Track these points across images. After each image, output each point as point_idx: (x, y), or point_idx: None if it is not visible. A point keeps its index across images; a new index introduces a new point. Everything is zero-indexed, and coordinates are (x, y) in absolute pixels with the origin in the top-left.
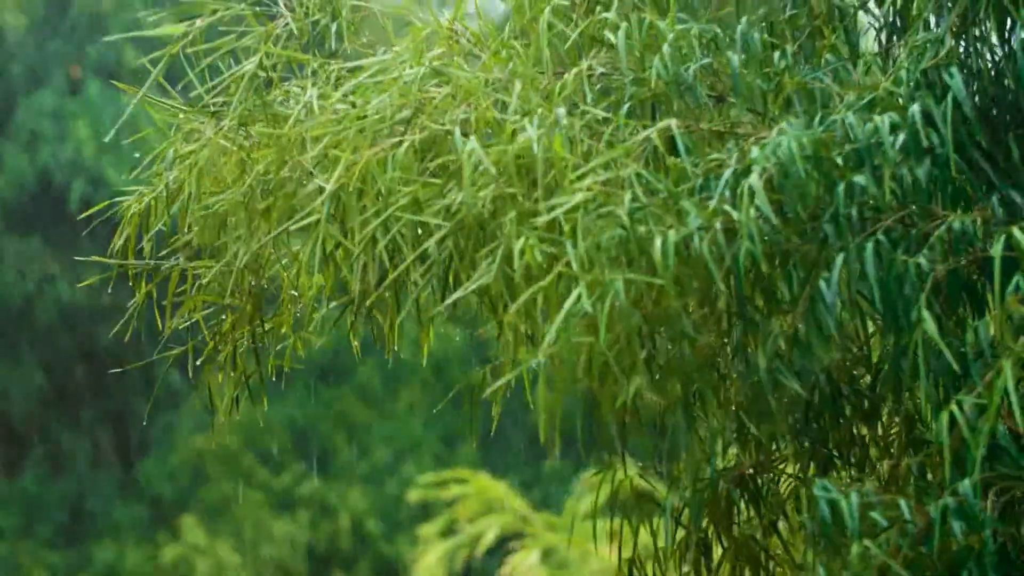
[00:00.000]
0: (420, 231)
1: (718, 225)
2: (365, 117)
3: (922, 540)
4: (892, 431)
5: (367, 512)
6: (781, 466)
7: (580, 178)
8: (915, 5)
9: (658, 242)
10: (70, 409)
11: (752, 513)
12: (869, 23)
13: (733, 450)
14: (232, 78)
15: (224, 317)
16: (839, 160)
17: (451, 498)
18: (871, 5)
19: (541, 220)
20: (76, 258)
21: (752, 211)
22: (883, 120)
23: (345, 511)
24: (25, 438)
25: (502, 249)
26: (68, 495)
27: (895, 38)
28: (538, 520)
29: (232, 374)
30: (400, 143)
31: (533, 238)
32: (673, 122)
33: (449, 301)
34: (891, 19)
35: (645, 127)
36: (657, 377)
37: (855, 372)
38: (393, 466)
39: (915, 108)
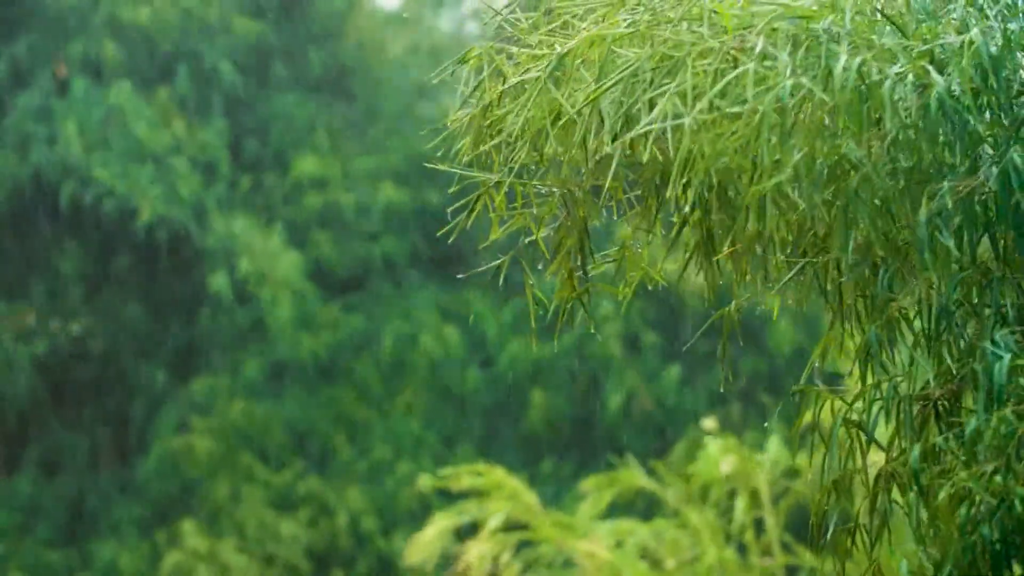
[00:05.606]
0: None
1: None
2: None
3: None
4: None
5: (366, 511)
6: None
7: None
8: None
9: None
10: (68, 408)
11: None
12: None
13: None
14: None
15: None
16: None
17: (467, 490)
18: None
19: None
20: (427, 165)
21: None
22: None
23: (344, 510)
24: (22, 437)
25: None
26: (66, 494)
27: None
28: (547, 518)
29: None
30: None
31: None
32: None
33: None
34: None
35: None
36: None
37: None
38: (392, 464)
39: None
